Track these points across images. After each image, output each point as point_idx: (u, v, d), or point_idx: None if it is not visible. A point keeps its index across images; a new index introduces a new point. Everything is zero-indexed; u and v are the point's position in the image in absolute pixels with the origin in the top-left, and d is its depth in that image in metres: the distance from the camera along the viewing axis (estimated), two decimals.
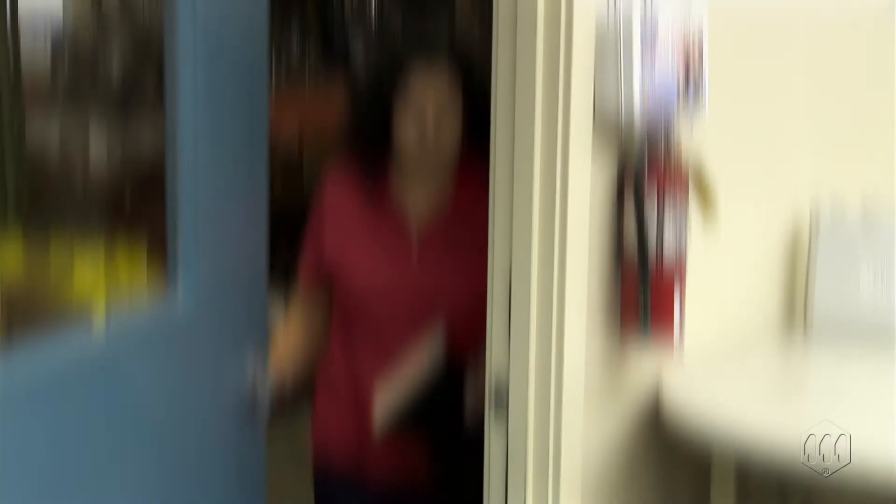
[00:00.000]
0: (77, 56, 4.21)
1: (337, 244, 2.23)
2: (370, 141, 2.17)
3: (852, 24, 2.61)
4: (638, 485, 2.20)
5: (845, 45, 2.61)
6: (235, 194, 1.68)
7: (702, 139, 2.08)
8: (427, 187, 2.20)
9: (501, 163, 1.97)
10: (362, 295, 2.19)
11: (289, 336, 2.32)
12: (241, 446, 1.74)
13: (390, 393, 2.09)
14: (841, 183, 2.63)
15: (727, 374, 2.28)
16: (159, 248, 1.58)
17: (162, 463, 1.52)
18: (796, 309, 2.54)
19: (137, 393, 1.46)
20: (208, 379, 1.62)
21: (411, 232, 2.19)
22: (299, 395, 2.20)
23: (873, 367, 2.33)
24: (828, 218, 2.43)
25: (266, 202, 1.79)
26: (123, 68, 4.61)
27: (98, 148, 4.67)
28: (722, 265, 2.32)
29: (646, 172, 1.98)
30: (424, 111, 2.10)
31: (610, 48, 1.94)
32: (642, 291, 1.98)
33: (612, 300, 2.06)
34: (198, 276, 1.55)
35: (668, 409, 2.04)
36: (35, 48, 3.90)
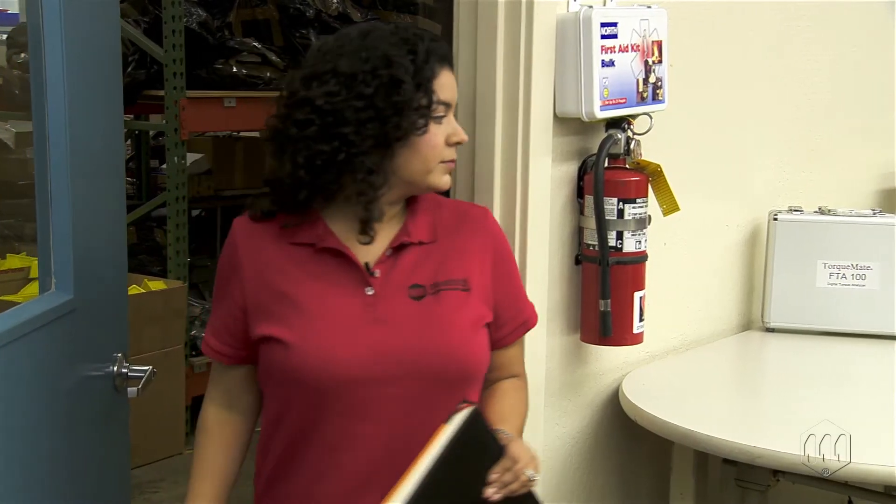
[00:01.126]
0: None
1: (264, 313, 1.56)
2: (331, 165, 1.50)
3: (809, 31, 2.64)
4: (601, 474, 2.21)
5: (803, 48, 2.63)
6: (98, 197, 1.77)
7: (662, 138, 2.08)
8: (385, 218, 1.58)
9: (462, 163, 1.96)
10: (319, 379, 1.51)
11: (206, 467, 1.65)
12: (108, 427, 1.83)
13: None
14: (798, 181, 2.65)
15: (687, 368, 2.29)
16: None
17: (38, 439, 1.59)
18: (754, 304, 2.56)
19: (18, 376, 1.54)
20: (82, 363, 1.72)
21: (366, 280, 1.55)
22: None
23: (828, 357, 2.36)
24: (785, 216, 2.46)
25: (124, 204, 1.88)
26: None
27: None
28: (682, 262, 2.33)
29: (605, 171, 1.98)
30: (451, 111, 1.56)
31: (570, 46, 1.94)
32: (602, 290, 1.98)
33: (573, 299, 2.07)
34: (69, 269, 1.65)
35: (629, 404, 2.05)
36: None
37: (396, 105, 1.48)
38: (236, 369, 1.63)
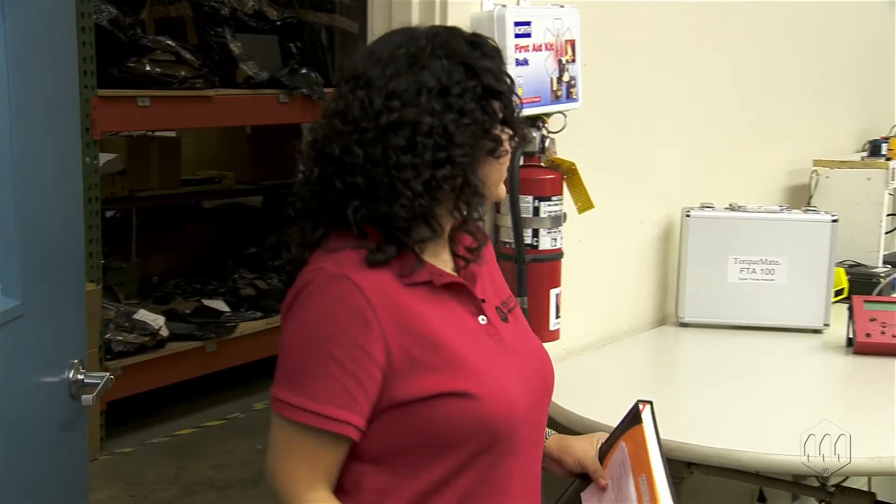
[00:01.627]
0: None
1: (418, 367, 1.36)
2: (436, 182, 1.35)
3: (720, 32, 2.69)
4: None
5: (714, 49, 2.68)
6: (51, 199, 1.70)
7: (576, 136, 2.10)
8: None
9: None
10: (506, 424, 1.39)
11: None
12: (64, 436, 1.76)
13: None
14: (710, 179, 2.71)
15: (603, 364, 2.32)
16: None
17: None
18: (669, 299, 2.61)
19: None
20: (32, 371, 1.65)
21: (480, 308, 1.45)
22: None
23: (740, 350, 2.41)
24: (697, 212, 2.50)
25: (80, 205, 1.79)
26: None
27: None
28: (597, 259, 2.36)
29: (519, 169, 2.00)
30: None
31: None
32: (519, 287, 1.99)
33: None
34: (16, 274, 1.58)
35: None
36: None
37: (494, 118, 1.37)
38: (348, 443, 1.37)
